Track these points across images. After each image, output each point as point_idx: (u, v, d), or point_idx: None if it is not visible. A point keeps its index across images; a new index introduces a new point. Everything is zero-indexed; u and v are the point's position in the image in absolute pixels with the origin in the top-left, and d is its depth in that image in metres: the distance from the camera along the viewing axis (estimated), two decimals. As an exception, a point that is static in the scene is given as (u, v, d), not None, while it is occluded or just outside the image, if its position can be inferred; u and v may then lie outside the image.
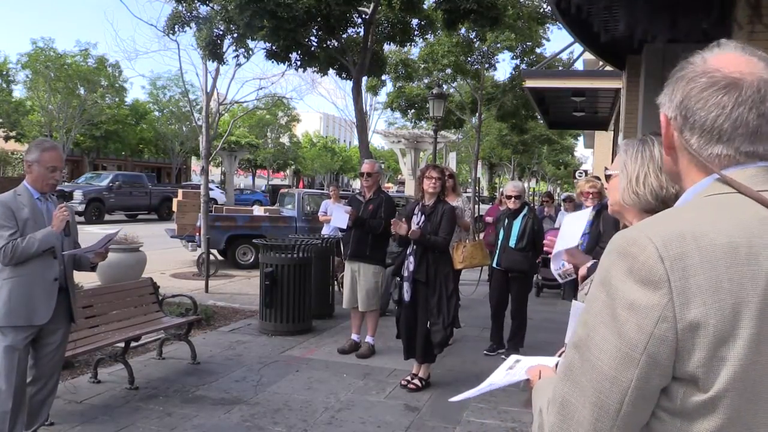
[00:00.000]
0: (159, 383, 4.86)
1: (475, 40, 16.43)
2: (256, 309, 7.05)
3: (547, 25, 16.64)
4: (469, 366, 5.66)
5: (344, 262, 6.23)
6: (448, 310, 4.84)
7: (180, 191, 14.05)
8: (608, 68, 10.00)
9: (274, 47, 10.49)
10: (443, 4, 10.28)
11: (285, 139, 49.11)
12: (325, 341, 6.35)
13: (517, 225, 5.91)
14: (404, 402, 4.64)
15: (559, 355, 1.65)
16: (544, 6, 15.05)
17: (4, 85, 30.29)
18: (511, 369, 1.44)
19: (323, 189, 34.00)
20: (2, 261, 3.25)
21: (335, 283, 7.92)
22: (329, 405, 4.51)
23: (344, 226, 5.88)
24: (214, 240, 10.43)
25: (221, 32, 10.18)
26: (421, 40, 14.65)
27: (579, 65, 16.18)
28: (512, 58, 18.24)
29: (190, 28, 10.34)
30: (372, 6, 10.36)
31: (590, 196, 6.02)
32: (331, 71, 11.80)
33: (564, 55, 17.10)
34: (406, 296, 4.99)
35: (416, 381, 4.93)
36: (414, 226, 4.95)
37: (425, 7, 11.50)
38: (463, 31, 15.43)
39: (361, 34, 10.95)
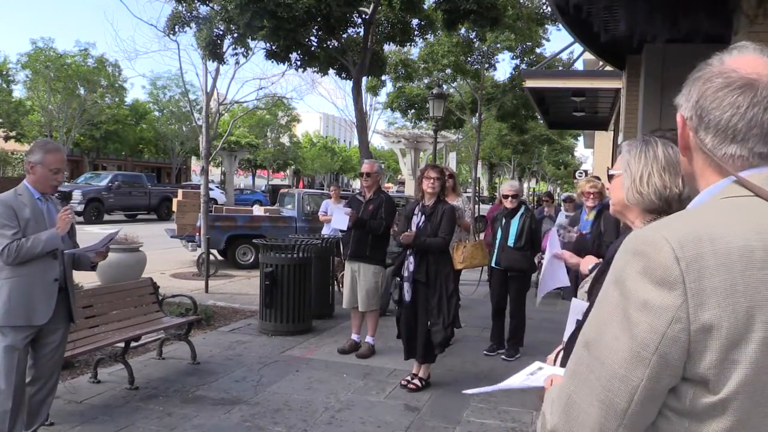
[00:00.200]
0: (159, 383, 4.86)
1: (475, 40, 16.45)
2: (256, 309, 7.05)
3: (547, 26, 16.65)
4: (469, 366, 5.66)
5: (344, 262, 6.24)
6: (449, 311, 4.84)
7: (180, 191, 14.04)
8: (608, 68, 9.99)
9: (274, 47, 10.50)
10: (443, 4, 10.29)
11: (285, 139, 49.09)
12: (325, 341, 6.35)
13: (515, 224, 5.92)
14: (404, 402, 4.63)
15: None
16: (544, 7, 15.05)
17: (4, 85, 30.26)
18: (533, 375, 1.43)
19: (323, 189, 34.04)
20: (5, 260, 3.25)
21: (335, 283, 7.92)
22: (329, 405, 4.51)
23: (344, 228, 5.88)
24: (214, 240, 10.42)
25: (221, 32, 10.19)
26: (421, 40, 14.66)
27: (579, 65, 16.20)
28: (512, 58, 18.31)
29: (190, 28, 10.36)
30: (372, 6, 10.37)
31: (591, 195, 6.04)
32: (331, 71, 11.82)
33: (564, 55, 17.14)
34: (407, 296, 4.98)
35: (416, 381, 4.93)
36: (414, 227, 4.95)
37: (425, 7, 11.51)
38: (463, 31, 15.45)
39: (361, 34, 10.96)
